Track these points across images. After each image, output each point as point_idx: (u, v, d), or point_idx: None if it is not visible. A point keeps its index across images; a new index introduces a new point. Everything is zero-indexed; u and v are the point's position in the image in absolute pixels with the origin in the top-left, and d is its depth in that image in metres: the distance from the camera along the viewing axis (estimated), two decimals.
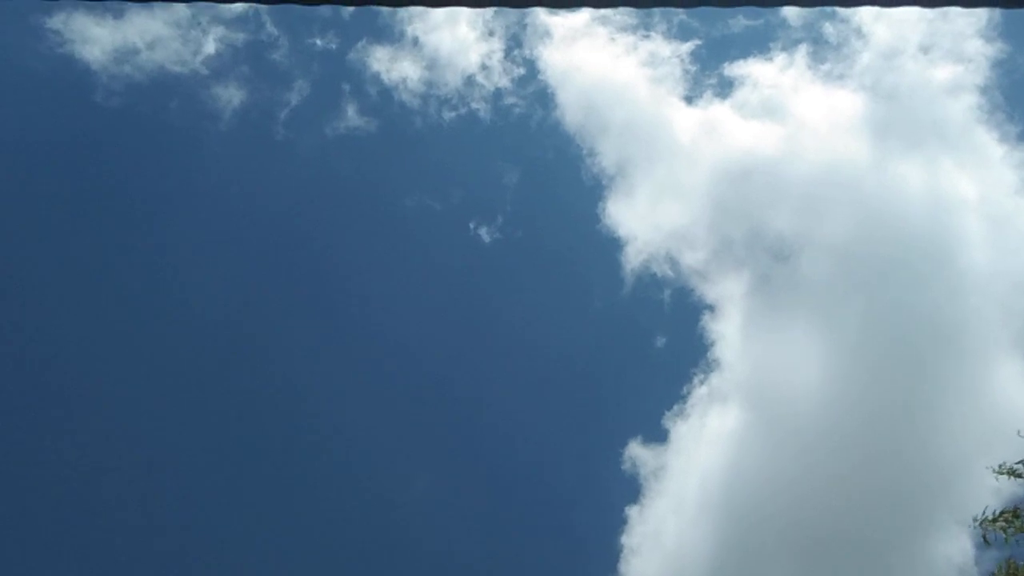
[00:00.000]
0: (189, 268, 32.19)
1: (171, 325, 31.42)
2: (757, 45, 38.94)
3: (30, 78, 31.22)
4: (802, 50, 37.06)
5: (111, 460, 29.78)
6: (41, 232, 30.84)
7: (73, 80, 31.36)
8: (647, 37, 37.40)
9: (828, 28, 37.25)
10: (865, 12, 36.40)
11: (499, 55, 35.80)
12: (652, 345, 34.63)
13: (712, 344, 33.96)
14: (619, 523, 31.42)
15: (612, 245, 34.78)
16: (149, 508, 29.40)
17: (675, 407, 32.93)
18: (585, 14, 37.19)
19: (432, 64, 35.05)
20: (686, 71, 37.15)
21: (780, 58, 37.25)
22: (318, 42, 34.24)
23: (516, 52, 36.10)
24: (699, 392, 33.38)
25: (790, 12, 36.62)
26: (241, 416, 31.25)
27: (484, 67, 35.44)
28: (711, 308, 34.29)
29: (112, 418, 30.07)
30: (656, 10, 36.98)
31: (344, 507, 31.18)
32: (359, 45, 34.41)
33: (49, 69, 31.36)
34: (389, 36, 35.08)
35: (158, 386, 30.75)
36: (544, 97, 35.94)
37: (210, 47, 32.81)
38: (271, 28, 33.80)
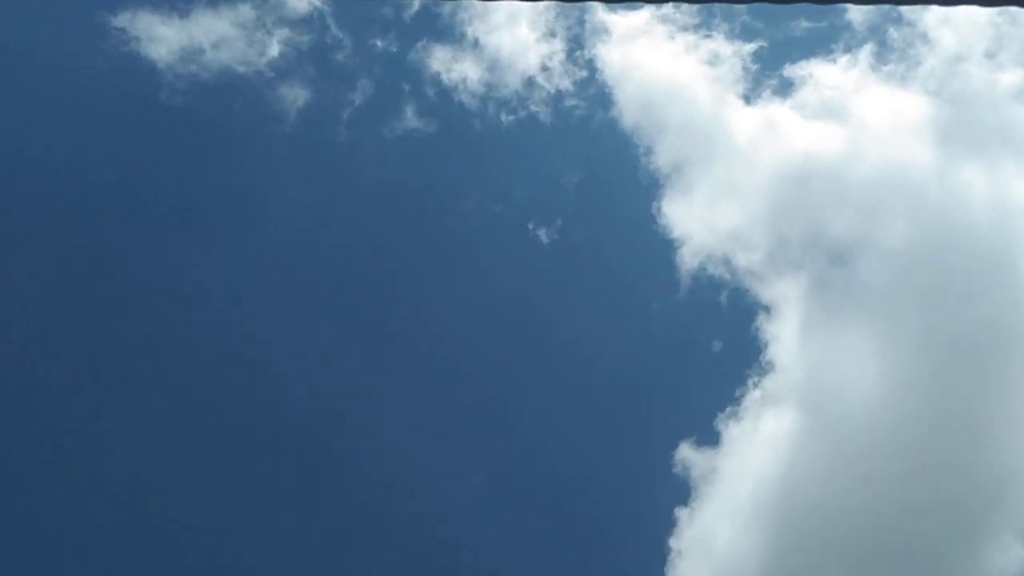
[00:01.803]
0: (250, 268, 32.71)
1: (228, 325, 31.96)
2: (820, 47, 38.57)
3: (94, 76, 31.97)
4: (866, 52, 36.74)
5: (164, 464, 30.41)
6: (105, 230, 31.56)
7: (137, 79, 32.07)
8: (708, 36, 37.31)
9: (892, 32, 36.87)
10: (931, 17, 35.95)
11: (560, 56, 35.93)
12: (706, 346, 34.56)
13: (767, 346, 33.78)
14: (668, 525, 31.39)
15: (668, 246, 34.74)
16: (192, 510, 29.95)
17: (728, 409, 32.81)
18: (645, 13, 37.19)
19: (492, 65, 35.29)
20: (747, 71, 37.02)
21: (843, 60, 36.96)
22: (379, 43, 34.65)
23: (577, 53, 36.19)
24: (753, 395, 33.23)
25: (854, 15, 36.31)
26: (292, 419, 31.68)
27: (545, 68, 35.60)
28: (767, 310, 34.11)
29: (163, 421, 30.70)
30: (717, 9, 36.90)
31: (394, 510, 31.50)
32: (419, 45, 34.77)
33: (113, 67, 32.11)
34: (450, 37, 35.40)
35: (214, 387, 31.30)
36: (604, 98, 36.01)
37: (275, 48, 33.37)
38: (335, 30, 34.26)
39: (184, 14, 32.56)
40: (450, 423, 32.65)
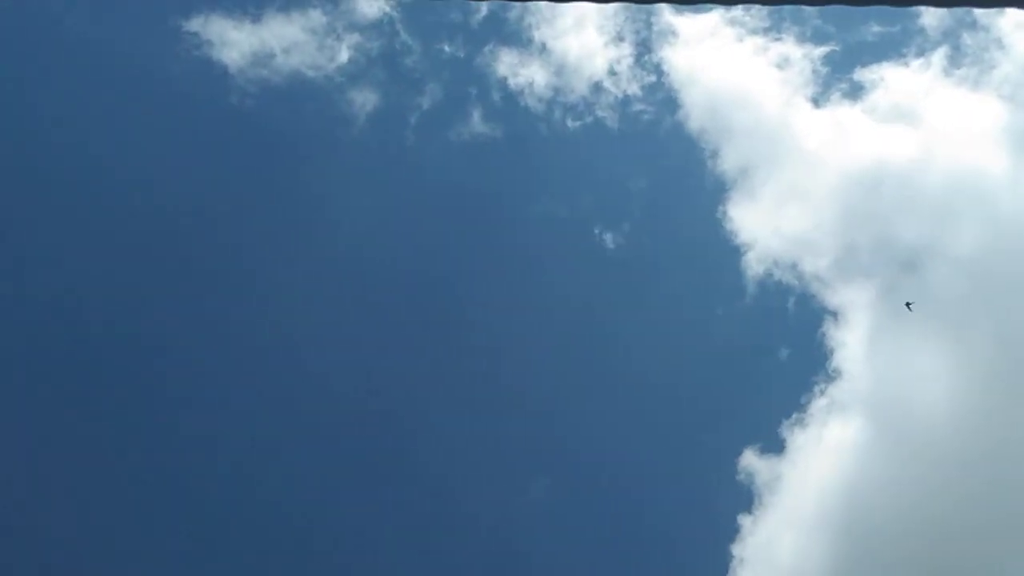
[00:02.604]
0: (317, 270, 33.02)
1: (297, 326, 32.29)
2: (892, 50, 38.23)
3: (167, 79, 32.50)
4: (939, 55, 36.27)
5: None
6: (176, 228, 32.04)
7: (209, 82, 32.54)
8: (778, 39, 37.02)
9: (966, 36, 36.35)
10: (1006, 22, 35.35)
11: (628, 60, 35.84)
12: (772, 353, 34.30)
13: (833, 353, 33.41)
14: (731, 532, 31.19)
15: (734, 251, 34.51)
16: (267, 510, 30.31)
17: (793, 416, 32.49)
18: (715, 15, 36.98)
19: (560, 70, 35.29)
20: (816, 74, 36.69)
21: (916, 64, 36.50)
22: (446, 48, 34.82)
23: (645, 57, 36.08)
24: (819, 402, 32.88)
25: (928, 19, 35.85)
26: (357, 422, 31.92)
27: (612, 73, 35.53)
28: (834, 316, 33.73)
29: (235, 417, 31.10)
30: (787, 13, 36.57)
31: (460, 511, 31.60)
32: (486, 50, 34.88)
33: (186, 71, 32.61)
34: (517, 41, 35.45)
35: (279, 386, 31.66)
36: (671, 102, 35.87)
37: (344, 53, 33.66)
38: (404, 35, 34.50)
39: (256, 19, 33.02)
40: (514, 427, 32.71)
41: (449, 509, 31.52)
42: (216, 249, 32.53)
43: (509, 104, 34.97)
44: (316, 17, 33.67)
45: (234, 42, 32.50)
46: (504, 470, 32.13)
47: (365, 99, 33.65)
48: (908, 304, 31.77)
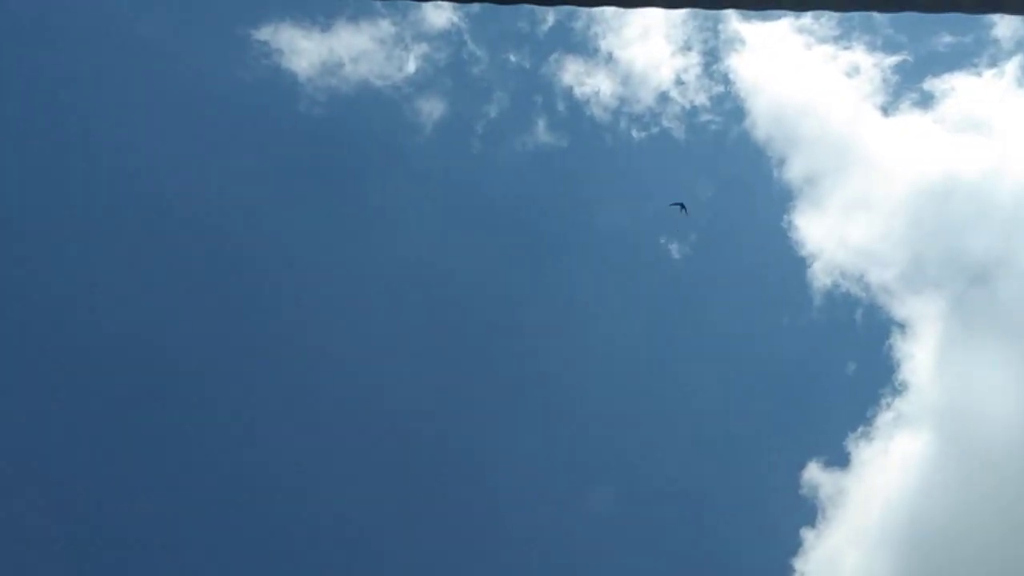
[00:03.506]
0: (383, 276, 33.31)
1: (361, 332, 32.58)
2: (964, 60, 37.70)
3: (237, 87, 33.00)
4: (1013, 65, 35.69)
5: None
6: (244, 233, 32.50)
7: (278, 90, 33.01)
8: (848, 48, 36.71)
9: None
10: None
11: (695, 70, 35.76)
12: (838, 365, 33.97)
13: (900, 366, 33.03)
14: (793, 546, 30.95)
15: (800, 262, 34.28)
16: (330, 515, 30.59)
17: (859, 430, 32.17)
18: (784, 23, 36.78)
19: (626, 79, 35.30)
20: (886, 82, 36.30)
21: (988, 74, 35.97)
22: (512, 57, 34.98)
23: (713, 67, 35.97)
24: (885, 415, 32.52)
25: (1002, 29, 35.31)
26: (422, 430, 32.11)
27: (679, 82, 35.47)
28: (901, 329, 33.36)
29: (295, 426, 31.45)
30: (857, 22, 36.25)
31: (524, 520, 31.70)
32: (552, 59, 34.99)
33: (256, 79, 33.10)
34: (583, 50, 35.55)
35: (343, 394, 31.94)
36: (738, 112, 35.73)
37: (412, 63, 33.97)
38: (471, 45, 34.71)
39: (325, 28, 33.43)
40: (577, 436, 32.72)
41: (510, 518, 31.64)
42: (282, 256, 32.94)
43: (575, 114, 35.07)
44: (385, 27, 34.04)
45: (303, 51, 32.95)
46: (565, 480, 32.18)
47: (432, 108, 33.94)
48: (680, 206, 30.95)
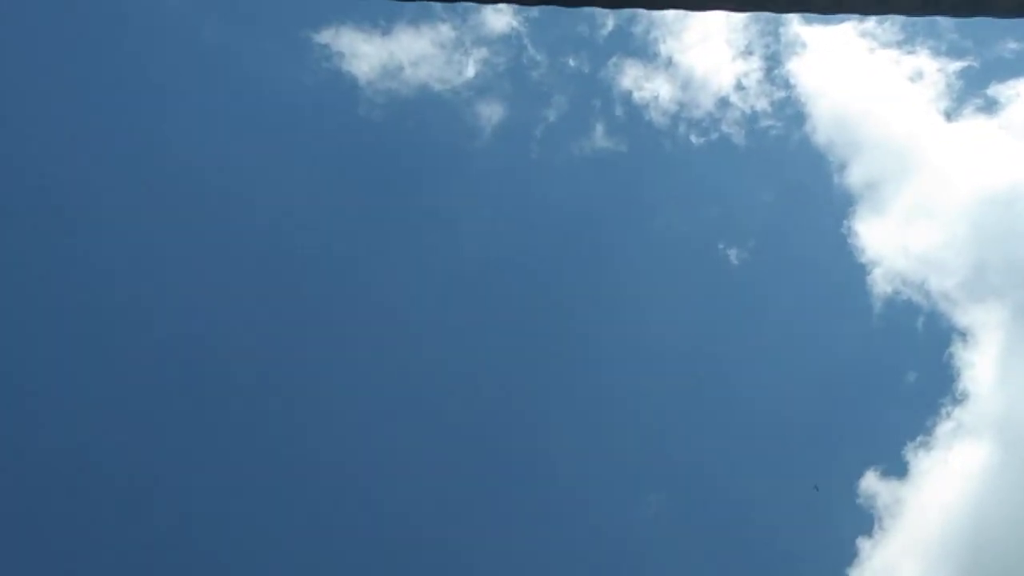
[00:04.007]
0: (440, 279, 33.49)
1: (420, 336, 32.80)
2: None
3: (297, 90, 33.36)
4: None
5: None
6: (302, 236, 32.85)
7: (338, 94, 33.31)
8: (912, 53, 36.29)
9: None
10: None
11: (756, 75, 35.53)
12: (898, 373, 33.60)
13: (961, 375, 32.60)
14: (849, 555, 30.72)
15: (860, 269, 33.97)
16: (386, 525, 30.81)
17: (918, 439, 31.82)
18: (847, 27, 36.46)
19: (686, 84, 35.18)
20: (950, 87, 35.83)
21: None
22: (571, 62, 34.99)
23: (775, 72, 35.72)
24: (945, 425, 32.11)
25: None
26: (473, 434, 32.27)
27: (740, 87, 35.28)
28: (962, 337, 32.92)
29: (356, 433, 31.70)
30: (921, 27, 35.87)
31: (572, 527, 31.72)
32: (611, 63, 34.95)
33: (316, 82, 33.44)
34: (643, 54, 35.45)
35: (399, 397, 32.16)
36: (799, 117, 35.45)
37: (472, 67, 34.10)
38: (531, 49, 34.76)
39: (386, 32, 33.67)
40: (631, 442, 32.67)
41: (562, 523, 31.68)
42: (342, 259, 33.25)
43: (633, 119, 35.00)
44: (445, 31, 34.20)
45: (364, 54, 33.22)
46: (618, 486, 32.14)
47: (491, 112, 34.06)
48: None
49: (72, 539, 28.48)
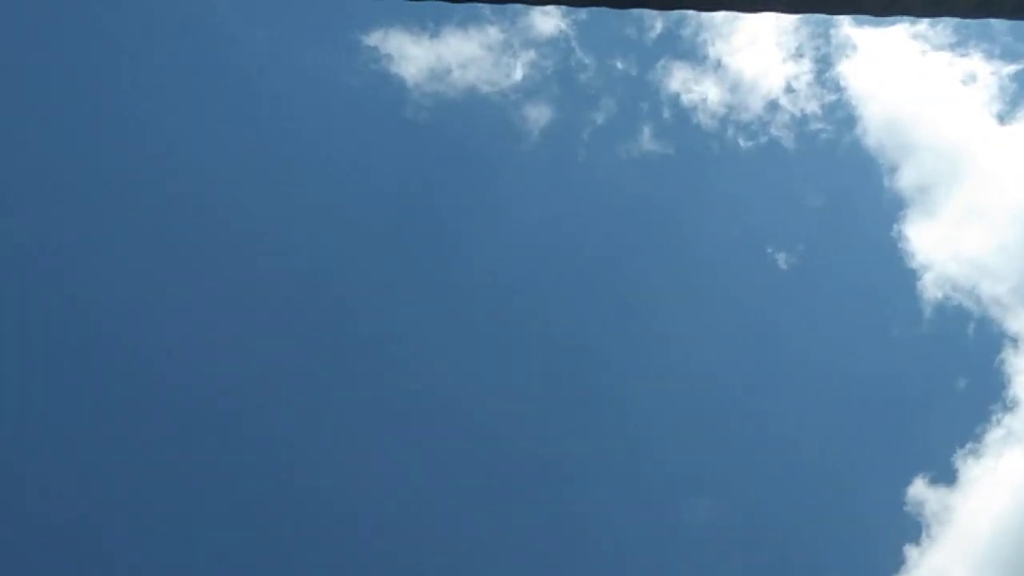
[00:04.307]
0: (487, 283, 33.59)
1: (462, 341, 32.92)
2: None
3: (345, 91, 33.57)
4: None
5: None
6: (350, 236, 33.08)
7: (386, 95, 33.49)
8: (965, 56, 35.87)
9: None
10: None
11: (806, 77, 35.27)
12: (948, 379, 33.26)
13: (1012, 382, 32.21)
14: (895, 563, 30.50)
15: (911, 272, 33.66)
16: (423, 532, 30.93)
17: (968, 446, 31.50)
18: (898, 29, 36.14)
19: (735, 86, 35.00)
20: (1004, 91, 35.37)
21: None
22: (619, 64, 34.93)
23: (826, 74, 35.43)
24: (995, 432, 31.74)
25: None
26: (524, 437, 32.32)
27: (790, 90, 35.05)
28: (1014, 343, 32.52)
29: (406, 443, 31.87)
30: (975, 30, 35.48)
31: (619, 533, 31.70)
32: (659, 65, 34.85)
33: (364, 83, 33.63)
34: (691, 57, 35.32)
35: (447, 404, 32.28)
36: (849, 120, 35.16)
37: (519, 70, 34.15)
38: (579, 52, 34.71)
39: (435, 34, 33.80)
40: (677, 447, 32.58)
41: (605, 531, 31.65)
42: (388, 261, 33.44)
43: (681, 121, 34.88)
44: (493, 34, 34.26)
45: (412, 57, 33.37)
46: (662, 492, 32.10)
47: (539, 115, 34.08)
48: None
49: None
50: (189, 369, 30.81)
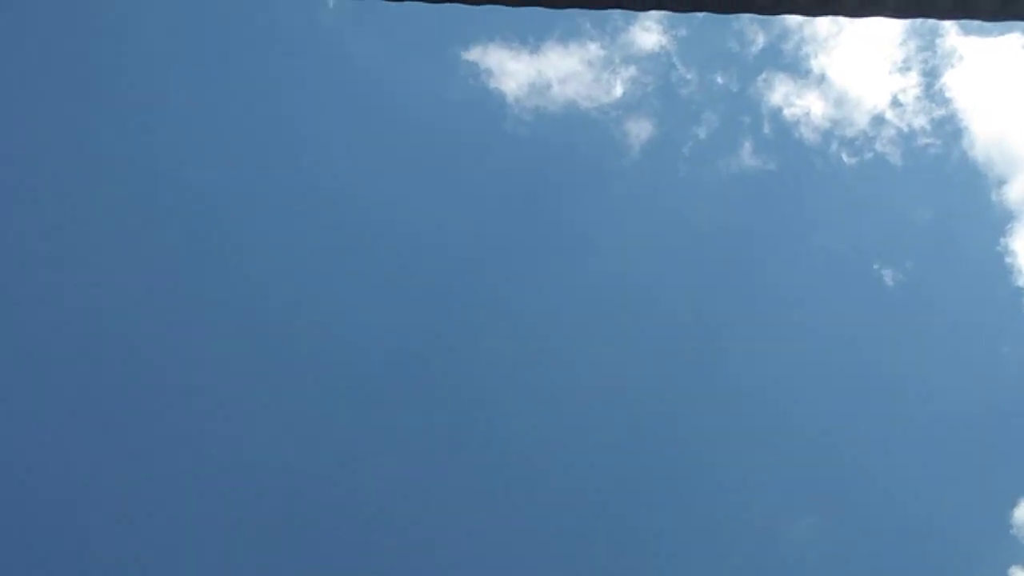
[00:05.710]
0: (583, 296, 33.75)
1: (562, 352, 33.09)
2: None
3: (444, 106, 34.01)
4: None
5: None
6: (449, 251, 33.51)
7: (485, 110, 33.87)
8: None
9: None
10: None
11: (914, 91, 34.75)
12: None
13: None
14: None
15: (1018, 290, 32.98)
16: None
17: None
18: (1011, 38, 35.46)
19: (839, 101, 34.66)
20: None
21: None
22: (719, 79, 34.84)
23: (933, 87, 34.87)
24: None
25: None
26: (626, 451, 32.36)
27: (896, 104, 34.59)
28: None
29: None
30: None
31: (724, 549, 31.59)
32: (760, 79, 34.68)
33: (463, 99, 34.05)
34: (794, 71, 35.06)
35: (550, 430, 32.48)
36: (957, 132, 34.57)
37: (620, 85, 34.27)
38: (680, 67, 34.73)
39: (535, 50, 34.11)
40: (784, 464, 32.34)
41: (710, 545, 31.56)
42: (487, 276, 33.79)
43: (783, 136, 34.63)
44: (594, 49, 34.44)
45: (512, 72, 33.72)
46: (768, 509, 31.86)
47: (640, 130, 34.15)
48: None
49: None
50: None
